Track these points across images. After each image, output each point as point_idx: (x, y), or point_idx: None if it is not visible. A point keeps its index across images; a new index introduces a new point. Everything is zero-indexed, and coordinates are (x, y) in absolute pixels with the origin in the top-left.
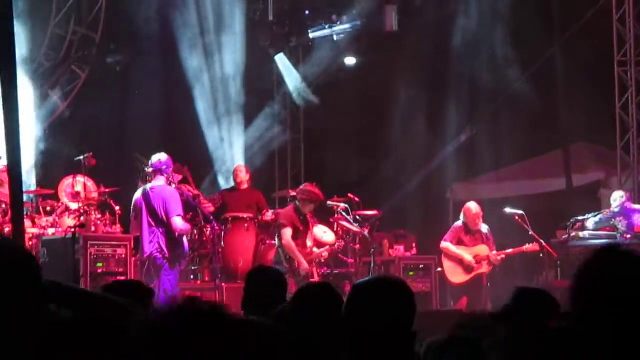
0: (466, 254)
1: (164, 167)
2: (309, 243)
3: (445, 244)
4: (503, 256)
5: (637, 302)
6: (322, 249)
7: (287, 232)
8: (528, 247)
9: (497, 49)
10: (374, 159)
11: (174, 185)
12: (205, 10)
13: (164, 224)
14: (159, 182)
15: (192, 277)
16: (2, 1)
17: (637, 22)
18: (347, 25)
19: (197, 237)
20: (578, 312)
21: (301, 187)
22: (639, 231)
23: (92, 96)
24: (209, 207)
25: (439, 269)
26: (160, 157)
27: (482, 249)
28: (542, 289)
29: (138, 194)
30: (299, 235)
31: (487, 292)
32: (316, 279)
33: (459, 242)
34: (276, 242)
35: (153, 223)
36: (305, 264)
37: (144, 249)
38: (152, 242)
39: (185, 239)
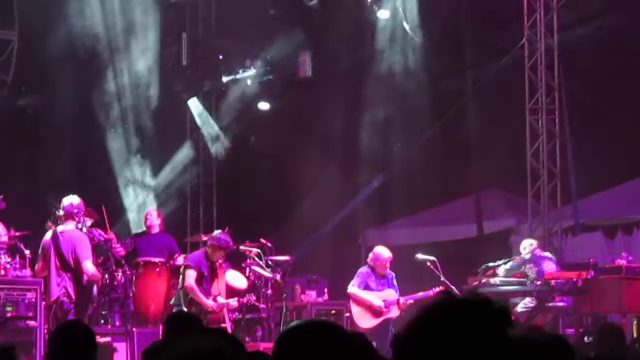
0: (374, 299)
1: (75, 210)
2: (215, 292)
3: (352, 289)
4: (412, 301)
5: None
6: (230, 299)
7: (191, 274)
8: (436, 290)
9: (411, 97)
10: (287, 205)
11: (84, 229)
12: (119, 52)
13: (72, 269)
14: (69, 225)
15: (102, 321)
16: None
17: (548, 70)
18: (260, 70)
19: (107, 281)
20: None
21: (213, 233)
22: (548, 278)
23: (2, 138)
24: (120, 251)
25: (347, 314)
26: (72, 200)
27: (391, 293)
28: None
29: (47, 236)
30: (203, 280)
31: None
32: (228, 323)
33: (366, 287)
34: (179, 283)
35: (61, 267)
36: (209, 304)
37: (51, 292)
38: (60, 286)
39: (94, 285)
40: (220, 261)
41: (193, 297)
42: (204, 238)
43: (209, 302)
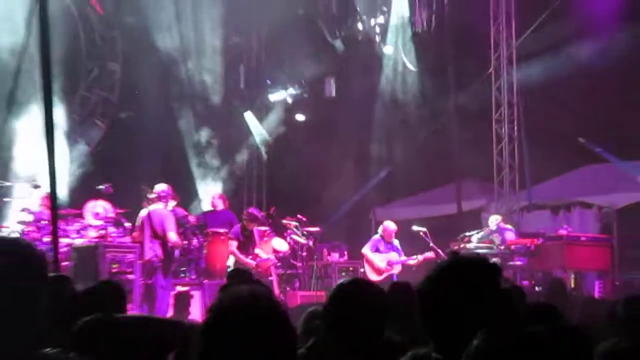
0: (379, 260)
1: (164, 194)
2: (258, 251)
3: (364, 251)
4: (411, 261)
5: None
6: (268, 256)
7: (233, 244)
8: (427, 254)
9: (408, 111)
10: (316, 190)
11: (170, 208)
12: (194, 76)
13: (160, 237)
14: (159, 205)
15: (182, 275)
16: (45, 66)
17: (509, 92)
18: (297, 91)
19: (186, 246)
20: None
21: (246, 210)
22: (509, 244)
23: (109, 141)
24: (193, 222)
25: (362, 270)
26: (162, 187)
27: (394, 255)
28: None
29: (143, 213)
30: (243, 245)
31: None
32: (274, 277)
33: (377, 251)
34: None
35: (152, 236)
36: (247, 262)
37: (145, 254)
38: (151, 250)
39: (175, 248)
40: (261, 229)
41: (236, 259)
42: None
43: (247, 261)
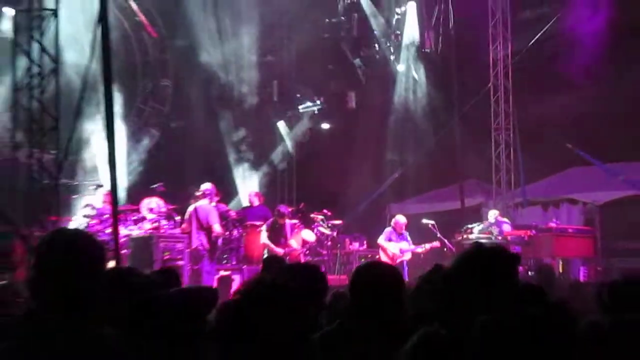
0: (392, 248)
1: (208, 192)
2: (292, 242)
3: (380, 241)
4: (419, 249)
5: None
6: (297, 247)
7: (264, 235)
8: (434, 243)
9: (418, 121)
10: (339, 188)
11: (214, 204)
12: (232, 89)
13: (205, 229)
14: (204, 202)
15: (224, 261)
16: (107, 82)
17: (506, 104)
18: (322, 104)
19: (227, 236)
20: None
21: (277, 207)
22: (506, 235)
23: (161, 147)
24: (234, 216)
25: (377, 257)
26: (207, 186)
27: (404, 245)
28: None
29: (191, 208)
30: (273, 236)
31: (406, 272)
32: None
33: (389, 240)
34: None
35: (198, 227)
36: (277, 250)
37: (192, 243)
38: (197, 240)
39: (218, 238)
40: (292, 222)
41: (267, 248)
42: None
43: (277, 249)
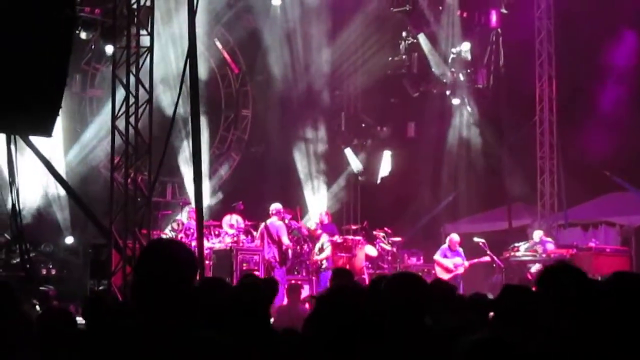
0: (447, 263)
1: (275, 211)
2: (284, 239)
3: (436, 257)
4: (471, 263)
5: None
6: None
7: (327, 250)
8: (484, 259)
9: (471, 150)
10: (400, 208)
11: (286, 221)
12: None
13: (277, 243)
14: (275, 219)
15: (295, 272)
16: (194, 113)
17: (550, 135)
18: (385, 133)
19: (298, 250)
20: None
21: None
22: (549, 253)
23: (241, 170)
24: (305, 233)
25: (433, 271)
26: (277, 206)
27: (458, 260)
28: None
29: (262, 226)
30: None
31: (461, 286)
32: (366, 275)
33: (444, 256)
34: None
35: (271, 242)
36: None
37: (266, 255)
38: (270, 252)
39: (290, 251)
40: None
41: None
42: (353, 227)
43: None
